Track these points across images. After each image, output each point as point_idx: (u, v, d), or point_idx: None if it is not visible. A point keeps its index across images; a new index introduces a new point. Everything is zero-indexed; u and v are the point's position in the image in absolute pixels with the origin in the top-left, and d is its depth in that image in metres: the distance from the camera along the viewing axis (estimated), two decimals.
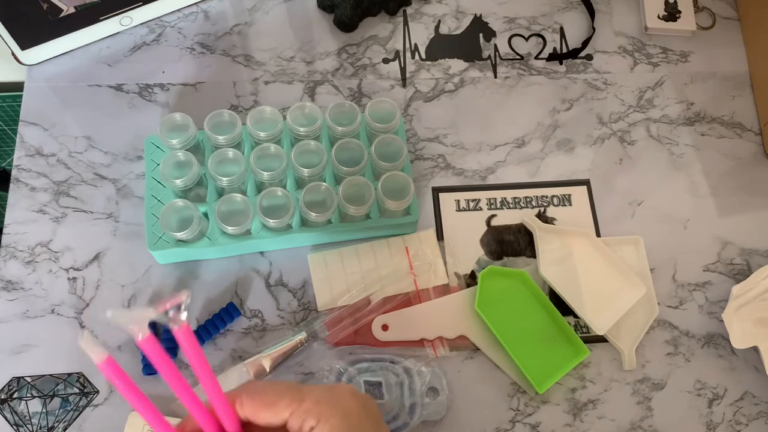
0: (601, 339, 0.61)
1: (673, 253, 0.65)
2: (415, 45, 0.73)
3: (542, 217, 0.65)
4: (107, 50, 0.69)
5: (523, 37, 0.74)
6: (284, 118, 0.62)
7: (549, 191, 0.67)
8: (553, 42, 0.74)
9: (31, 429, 0.54)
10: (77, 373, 0.56)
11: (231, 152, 0.59)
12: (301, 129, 0.60)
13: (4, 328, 0.58)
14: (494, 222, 0.65)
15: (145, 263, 0.61)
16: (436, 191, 0.66)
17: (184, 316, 0.32)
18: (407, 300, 0.60)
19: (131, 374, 0.57)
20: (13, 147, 0.65)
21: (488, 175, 0.67)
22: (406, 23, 0.74)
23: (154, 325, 0.58)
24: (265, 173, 0.57)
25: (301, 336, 0.58)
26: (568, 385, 0.59)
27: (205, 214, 0.59)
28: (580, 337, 0.60)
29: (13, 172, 0.63)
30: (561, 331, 0.60)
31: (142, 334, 0.31)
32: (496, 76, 0.72)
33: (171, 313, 0.31)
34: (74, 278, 0.60)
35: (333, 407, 0.38)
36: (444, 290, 0.61)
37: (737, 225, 0.67)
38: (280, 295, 0.60)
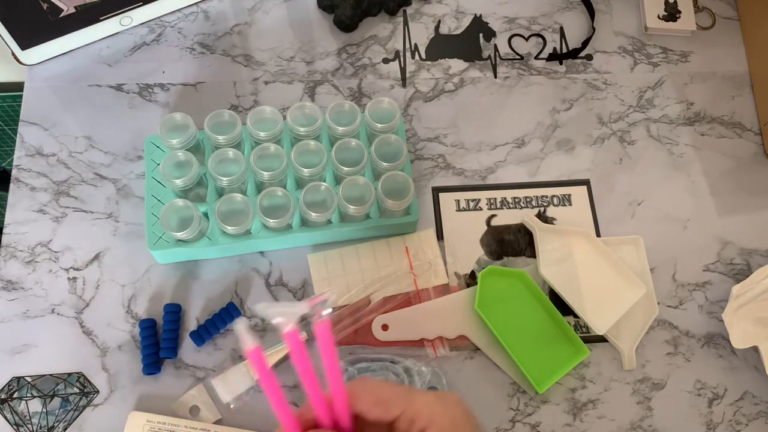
0: (601, 339, 0.61)
1: (673, 253, 0.65)
2: (415, 45, 0.73)
3: (542, 217, 0.65)
4: (107, 50, 0.69)
5: (523, 37, 0.74)
6: (284, 118, 0.62)
7: (549, 191, 0.67)
8: (553, 42, 0.74)
9: (31, 429, 0.54)
10: (77, 373, 0.56)
11: (231, 152, 0.59)
12: (301, 129, 0.60)
13: (4, 328, 0.58)
14: (494, 222, 0.65)
15: (145, 263, 0.61)
16: (436, 191, 0.66)
17: (327, 312, 0.35)
18: (407, 300, 0.60)
19: (132, 374, 0.57)
20: (13, 147, 0.65)
21: (488, 175, 0.67)
22: (406, 23, 0.74)
23: (154, 325, 0.58)
24: (265, 173, 0.57)
25: (301, 336, 0.58)
26: (568, 385, 0.59)
27: (205, 214, 0.59)
28: (580, 337, 0.60)
29: (13, 172, 0.63)
30: (561, 331, 0.60)
31: (289, 327, 0.34)
32: (496, 76, 0.72)
33: (316, 308, 0.35)
34: (74, 278, 0.60)
35: (443, 412, 0.38)
36: (444, 290, 0.61)
37: (737, 225, 0.67)
38: (280, 295, 0.60)
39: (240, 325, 0.34)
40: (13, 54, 0.65)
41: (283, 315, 0.34)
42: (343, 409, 0.39)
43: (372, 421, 0.39)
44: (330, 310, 0.36)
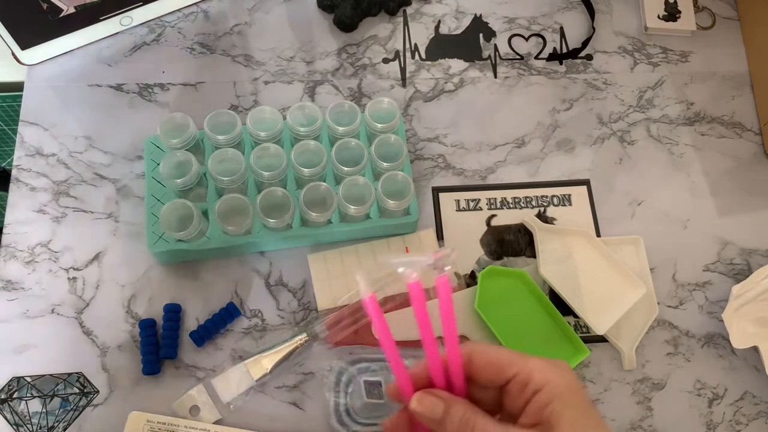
0: (601, 339, 0.61)
1: (673, 253, 0.65)
2: (415, 45, 0.73)
3: (542, 217, 0.65)
4: (107, 50, 0.69)
5: (523, 37, 0.74)
6: (284, 118, 0.62)
7: (549, 191, 0.67)
8: (553, 42, 0.74)
9: (31, 429, 0.54)
10: (77, 373, 0.56)
11: (231, 152, 0.59)
12: (301, 129, 0.60)
13: (4, 328, 0.58)
14: (494, 222, 0.65)
15: (145, 263, 0.61)
16: (436, 191, 0.66)
17: (448, 268, 0.37)
18: (407, 300, 0.60)
19: (131, 374, 0.57)
20: (13, 147, 0.65)
21: (488, 175, 0.67)
22: (406, 23, 0.74)
23: (154, 325, 0.58)
24: (265, 173, 0.57)
25: (301, 336, 0.58)
26: None
27: (205, 214, 0.59)
28: (580, 337, 0.60)
29: (13, 172, 0.63)
30: (561, 331, 0.60)
31: (413, 277, 0.36)
32: (496, 76, 0.72)
33: (439, 262, 0.36)
34: (74, 278, 0.60)
35: (558, 375, 0.38)
36: None
37: (737, 225, 0.67)
38: (280, 295, 0.60)
39: (360, 276, 0.35)
40: (13, 54, 0.65)
41: (408, 265, 0.35)
42: (458, 370, 0.39)
43: (483, 383, 0.39)
44: (450, 267, 0.37)
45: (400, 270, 0.35)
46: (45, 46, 0.66)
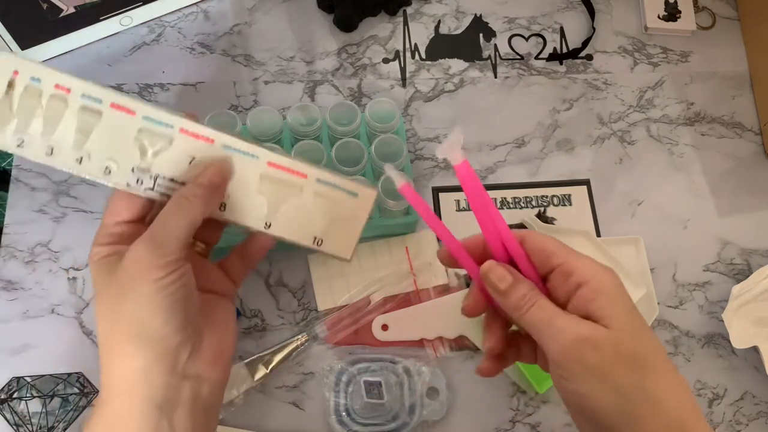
0: None
1: (673, 253, 0.65)
2: (415, 45, 0.73)
3: (542, 217, 0.65)
4: (107, 50, 0.69)
5: (523, 37, 0.74)
6: (284, 118, 0.62)
7: (549, 191, 0.67)
8: (553, 42, 0.74)
9: (31, 429, 0.54)
10: (77, 373, 0.56)
11: None
12: (301, 129, 0.60)
13: (4, 328, 0.58)
14: None
15: None
16: (436, 191, 0.66)
17: (459, 154, 0.37)
18: (407, 300, 0.60)
19: None
20: None
21: (488, 175, 0.67)
22: (406, 23, 0.74)
23: None
24: None
25: (301, 336, 0.58)
26: None
27: None
28: None
29: (13, 172, 0.63)
30: None
31: (459, 160, 0.37)
32: (496, 76, 0.72)
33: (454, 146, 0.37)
34: (74, 278, 0.60)
35: (603, 273, 0.39)
36: (444, 290, 0.61)
37: (737, 225, 0.67)
38: (280, 295, 0.60)
39: (454, 137, 0.36)
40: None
41: (450, 146, 0.36)
42: (517, 251, 0.41)
43: (528, 266, 0.41)
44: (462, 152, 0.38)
45: (441, 155, 0.37)
46: (45, 46, 0.66)
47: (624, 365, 0.38)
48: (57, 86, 0.42)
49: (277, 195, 0.45)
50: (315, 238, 0.46)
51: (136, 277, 0.39)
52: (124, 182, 0.43)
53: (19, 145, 0.42)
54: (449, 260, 0.44)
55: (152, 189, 0.43)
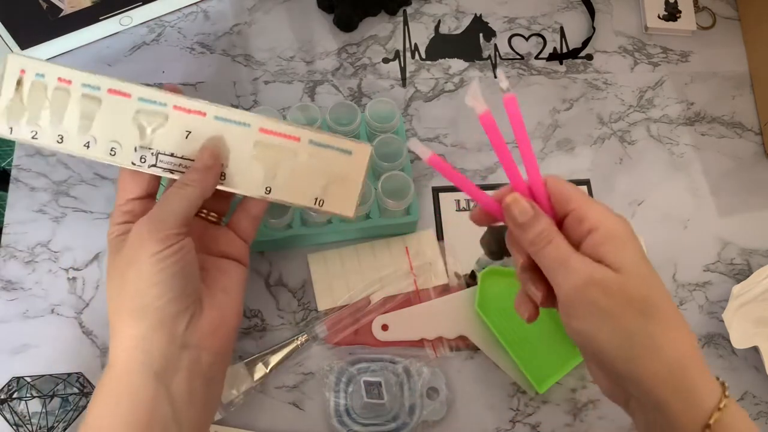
0: None
1: (673, 253, 0.65)
2: (415, 45, 0.73)
3: None
4: (107, 50, 0.69)
5: (523, 36, 0.74)
6: (284, 118, 0.62)
7: None
8: (553, 42, 0.74)
9: (30, 429, 0.54)
10: (77, 373, 0.56)
11: None
12: None
13: (4, 328, 0.58)
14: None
15: None
16: (436, 191, 0.66)
17: (505, 85, 0.41)
18: (407, 300, 0.60)
19: None
20: (13, 147, 0.65)
21: (488, 175, 0.67)
22: (406, 23, 0.74)
23: None
24: None
25: (301, 336, 0.58)
26: (568, 385, 0.59)
27: None
28: None
29: (13, 172, 0.63)
30: (562, 331, 0.60)
31: (482, 109, 0.40)
32: (496, 76, 0.72)
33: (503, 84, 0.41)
34: (74, 278, 0.60)
35: (614, 221, 0.41)
36: (444, 290, 0.61)
37: (737, 225, 0.67)
38: (280, 295, 0.60)
39: (474, 89, 0.39)
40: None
41: (473, 95, 0.39)
42: (541, 190, 0.42)
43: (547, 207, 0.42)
44: (507, 84, 0.41)
45: (469, 103, 0.39)
46: (45, 46, 0.66)
47: (631, 309, 0.39)
48: (60, 79, 0.45)
49: (272, 160, 0.47)
50: (316, 199, 0.48)
51: (137, 250, 0.42)
52: (129, 161, 0.46)
53: (33, 137, 0.46)
54: (480, 217, 0.45)
55: (155, 165, 0.46)
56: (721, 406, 0.40)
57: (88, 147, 0.46)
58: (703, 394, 0.40)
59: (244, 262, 0.50)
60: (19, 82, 0.45)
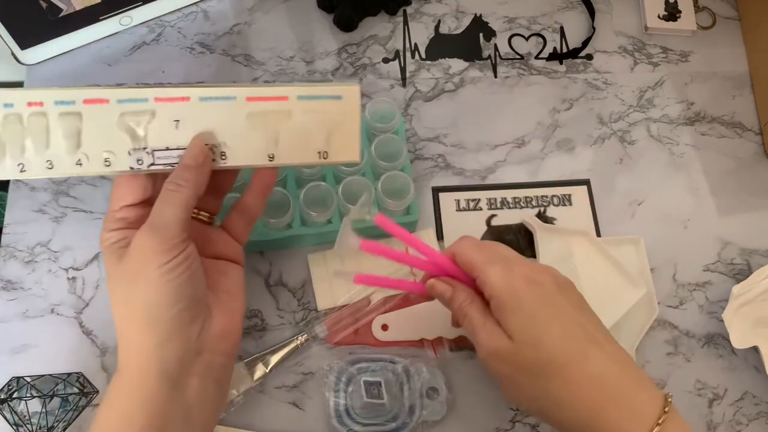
0: None
1: (673, 253, 0.65)
2: (415, 45, 0.73)
3: (542, 217, 0.65)
4: (107, 50, 0.69)
5: (523, 36, 0.74)
6: None
7: (549, 191, 0.67)
8: (553, 42, 0.74)
9: (30, 429, 0.54)
10: (77, 373, 0.56)
11: None
12: None
13: (4, 328, 0.58)
14: (494, 222, 0.65)
15: None
16: (436, 191, 0.66)
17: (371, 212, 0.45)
18: (407, 300, 0.60)
19: None
20: None
21: (488, 175, 0.67)
22: (406, 23, 0.74)
23: None
24: None
25: (301, 336, 0.58)
26: None
27: None
28: None
29: None
30: None
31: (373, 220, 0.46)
32: (496, 76, 0.72)
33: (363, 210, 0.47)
34: (74, 278, 0.60)
35: (507, 286, 0.44)
36: None
37: (737, 225, 0.67)
38: (280, 295, 0.60)
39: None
40: (12, 54, 0.65)
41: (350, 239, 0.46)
42: (450, 267, 0.48)
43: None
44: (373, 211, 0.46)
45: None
46: (45, 46, 0.66)
47: (526, 375, 0.43)
48: (30, 104, 0.43)
49: (268, 126, 0.46)
50: (319, 153, 0.47)
51: (142, 263, 0.42)
52: (127, 167, 0.45)
53: (21, 171, 0.44)
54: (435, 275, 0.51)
55: (154, 164, 0.45)
56: (660, 421, 0.41)
57: (81, 164, 0.44)
58: (633, 425, 0.41)
59: (240, 263, 0.50)
60: None
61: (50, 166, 0.44)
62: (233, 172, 0.50)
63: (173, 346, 0.42)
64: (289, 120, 0.46)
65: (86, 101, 0.44)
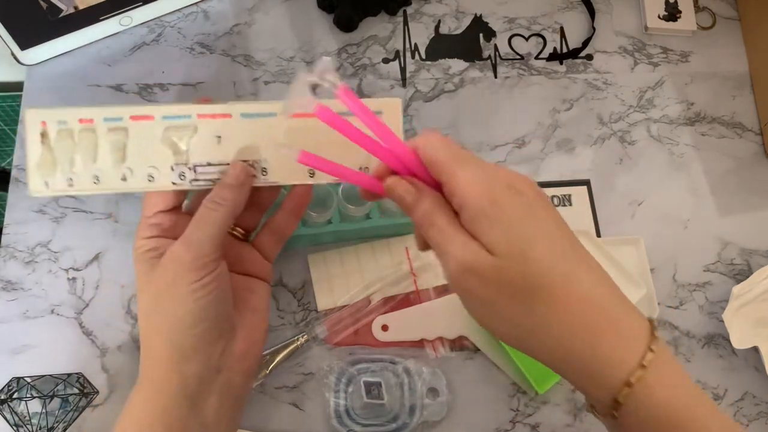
0: None
1: (673, 253, 0.65)
2: (415, 45, 0.73)
3: None
4: (107, 50, 0.69)
5: (523, 37, 0.74)
6: None
7: (549, 191, 0.67)
8: (553, 42, 0.74)
9: (30, 429, 0.54)
10: (77, 373, 0.56)
11: None
12: None
13: (4, 328, 0.58)
14: None
15: None
16: None
17: (331, 79, 0.38)
18: (407, 300, 0.60)
19: (132, 374, 0.57)
20: (13, 147, 0.65)
21: None
22: (406, 23, 0.74)
23: None
24: None
25: (301, 336, 0.58)
26: (568, 385, 0.59)
27: None
28: None
29: (13, 172, 0.63)
30: None
31: (313, 107, 0.39)
32: (496, 76, 0.72)
33: (323, 76, 0.38)
34: (74, 278, 0.60)
35: (483, 192, 0.36)
36: (444, 290, 0.61)
37: (737, 225, 0.67)
38: (280, 295, 0.60)
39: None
40: (12, 54, 0.65)
41: (296, 101, 0.39)
42: (412, 162, 0.39)
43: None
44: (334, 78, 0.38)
45: (292, 106, 0.38)
46: (45, 46, 0.66)
47: (507, 295, 0.36)
48: (81, 121, 0.45)
49: (308, 142, 0.45)
50: (361, 168, 0.46)
51: (173, 277, 0.41)
52: (169, 182, 0.45)
53: (70, 185, 0.45)
54: (366, 195, 0.42)
55: (196, 180, 0.45)
56: (645, 362, 0.36)
57: (125, 180, 0.45)
58: (622, 356, 0.36)
59: (268, 280, 0.50)
60: (43, 135, 0.45)
61: (96, 182, 0.45)
62: (275, 188, 0.50)
63: (194, 364, 0.42)
64: (329, 135, 0.44)
65: (133, 117, 0.45)
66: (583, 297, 0.36)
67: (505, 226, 0.36)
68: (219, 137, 0.45)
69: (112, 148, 0.45)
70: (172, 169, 0.45)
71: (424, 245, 0.40)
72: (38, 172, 0.45)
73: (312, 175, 0.46)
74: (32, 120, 0.45)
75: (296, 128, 0.45)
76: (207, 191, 0.45)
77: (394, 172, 0.40)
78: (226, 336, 0.44)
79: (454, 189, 0.37)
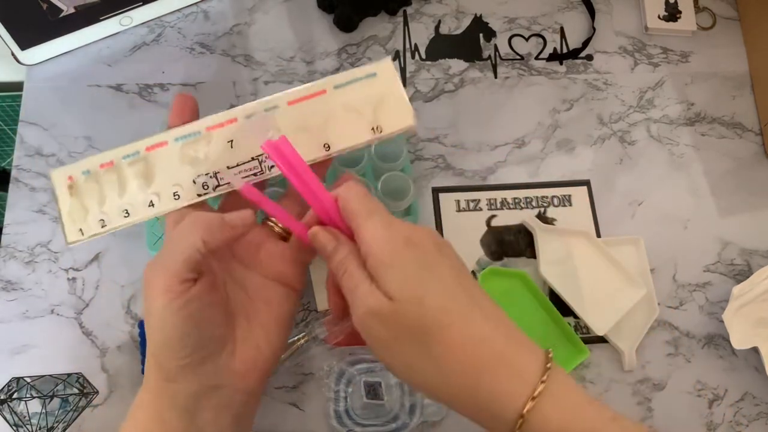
0: (601, 339, 0.61)
1: (673, 254, 0.65)
2: (415, 45, 0.73)
3: (542, 217, 0.65)
4: (107, 50, 0.69)
5: (524, 37, 0.74)
6: None
7: (549, 191, 0.67)
8: (553, 42, 0.74)
9: (30, 429, 0.54)
10: (77, 373, 0.56)
11: None
12: None
13: (4, 328, 0.58)
14: (494, 222, 0.65)
15: (145, 263, 0.60)
16: (436, 191, 0.66)
17: (271, 133, 0.42)
18: None
19: (132, 374, 0.57)
20: (13, 147, 0.65)
21: (488, 176, 0.67)
22: (406, 23, 0.74)
23: None
24: None
25: (301, 336, 0.58)
26: None
27: None
28: (581, 338, 0.60)
29: (13, 172, 0.63)
30: (561, 332, 0.60)
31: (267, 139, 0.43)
32: (496, 76, 0.72)
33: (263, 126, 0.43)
34: (74, 278, 0.60)
35: (383, 242, 0.40)
36: None
37: (737, 225, 0.67)
38: None
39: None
40: (12, 54, 0.65)
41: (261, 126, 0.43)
42: (333, 210, 0.43)
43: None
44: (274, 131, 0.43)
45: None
46: (45, 46, 0.66)
47: (405, 336, 0.39)
48: (102, 165, 0.47)
49: (315, 122, 0.47)
50: (373, 129, 0.47)
51: (149, 297, 0.41)
52: (195, 195, 0.46)
53: (102, 226, 0.47)
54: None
55: (219, 185, 0.46)
56: (536, 394, 0.38)
57: (153, 206, 0.46)
58: (513, 389, 0.39)
59: (298, 288, 0.47)
60: (71, 187, 0.47)
61: (127, 215, 0.47)
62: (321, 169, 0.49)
63: (184, 383, 0.42)
64: (333, 110, 0.47)
65: (148, 148, 0.47)
66: (474, 336, 0.39)
67: (402, 275, 0.39)
68: (230, 141, 0.46)
69: (136, 175, 0.47)
70: (194, 182, 0.46)
71: (333, 302, 0.45)
72: (70, 220, 0.47)
73: (327, 148, 0.47)
74: (58, 178, 0.48)
75: (300, 113, 0.47)
76: (231, 193, 0.46)
77: (321, 222, 0.44)
78: (215, 356, 0.43)
79: (362, 240, 0.41)
